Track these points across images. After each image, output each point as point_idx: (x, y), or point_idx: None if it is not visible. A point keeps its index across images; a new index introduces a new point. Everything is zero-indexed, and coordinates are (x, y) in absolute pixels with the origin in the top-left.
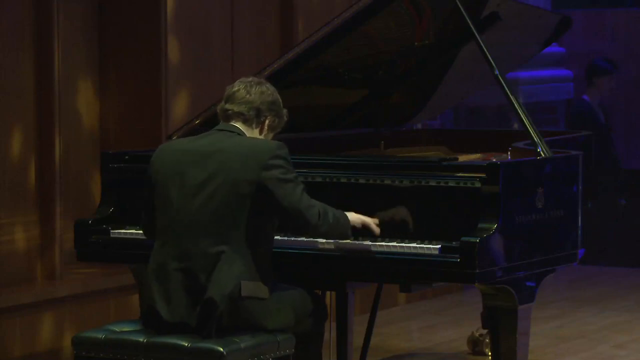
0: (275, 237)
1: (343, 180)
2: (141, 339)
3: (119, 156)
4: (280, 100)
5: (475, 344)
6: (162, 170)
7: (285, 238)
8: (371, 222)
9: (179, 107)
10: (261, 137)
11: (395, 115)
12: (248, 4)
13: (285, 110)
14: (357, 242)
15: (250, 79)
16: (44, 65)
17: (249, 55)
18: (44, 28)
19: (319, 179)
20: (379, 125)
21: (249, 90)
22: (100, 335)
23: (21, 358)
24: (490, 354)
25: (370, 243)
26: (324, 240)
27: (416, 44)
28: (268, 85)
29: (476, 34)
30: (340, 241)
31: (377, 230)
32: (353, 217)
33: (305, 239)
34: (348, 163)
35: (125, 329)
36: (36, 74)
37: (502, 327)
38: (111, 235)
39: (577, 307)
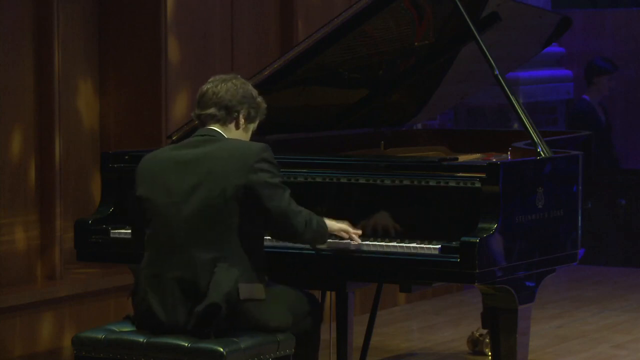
0: None
1: (343, 180)
2: (141, 339)
3: (119, 156)
4: (253, 90)
5: (475, 344)
6: (147, 181)
7: None
8: (348, 228)
9: (179, 107)
10: (239, 131)
11: (395, 115)
12: (248, 4)
13: (260, 98)
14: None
15: (219, 77)
16: (44, 65)
17: (249, 55)
18: (44, 28)
19: (319, 179)
20: (379, 125)
21: (215, 89)
22: (100, 335)
23: (21, 358)
24: (490, 354)
25: (370, 243)
26: None
27: (416, 44)
28: (236, 79)
29: (476, 34)
30: (340, 241)
31: (354, 236)
32: (332, 226)
33: None
34: (348, 163)
35: (125, 329)
36: (36, 73)
37: (502, 327)
38: (111, 235)
39: (577, 307)
